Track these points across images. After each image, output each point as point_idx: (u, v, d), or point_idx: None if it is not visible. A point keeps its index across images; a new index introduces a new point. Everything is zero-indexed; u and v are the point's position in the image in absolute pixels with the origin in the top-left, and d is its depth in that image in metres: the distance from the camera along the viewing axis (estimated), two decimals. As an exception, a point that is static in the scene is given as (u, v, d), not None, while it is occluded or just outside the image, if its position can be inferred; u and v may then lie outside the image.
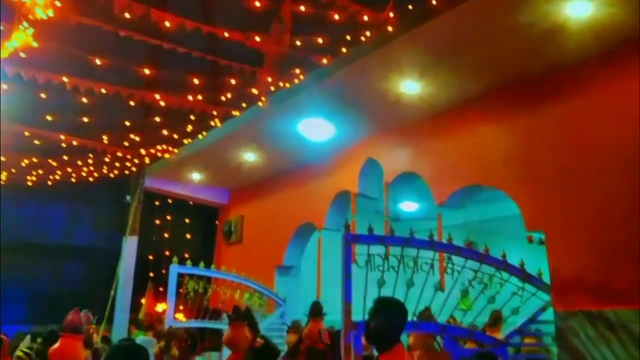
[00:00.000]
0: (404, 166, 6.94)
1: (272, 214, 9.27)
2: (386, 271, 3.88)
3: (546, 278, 4.59)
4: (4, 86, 4.60)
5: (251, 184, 9.84)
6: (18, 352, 7.06)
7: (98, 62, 4.86)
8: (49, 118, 5.42)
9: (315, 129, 7.18)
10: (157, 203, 10.26)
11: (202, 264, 7.16)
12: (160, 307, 9.62)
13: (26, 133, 5.58)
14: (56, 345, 3.40)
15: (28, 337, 8.55)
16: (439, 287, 4.17)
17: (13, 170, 6.82)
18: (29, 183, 8.13)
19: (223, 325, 7.75)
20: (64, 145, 5.94)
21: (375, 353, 2.93)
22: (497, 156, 5.85)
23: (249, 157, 8.46)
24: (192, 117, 6.04)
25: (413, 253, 3.99)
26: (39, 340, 8.01)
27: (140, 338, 7.58)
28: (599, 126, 4.93)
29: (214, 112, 5.83)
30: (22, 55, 4.26)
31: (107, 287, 12.53)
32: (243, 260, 9.26)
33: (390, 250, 4.10)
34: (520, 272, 4.28)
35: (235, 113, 6.29)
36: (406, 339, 3.95)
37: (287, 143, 7.74)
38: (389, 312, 2.95)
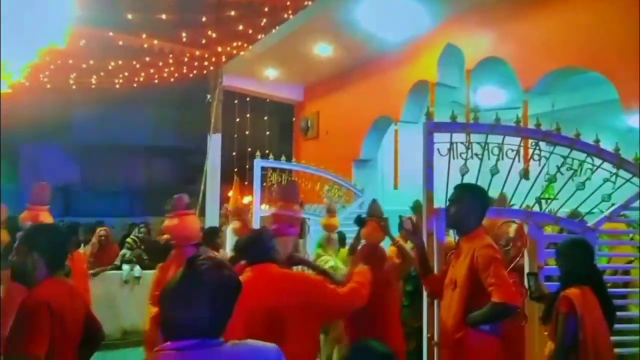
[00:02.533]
0: (487, 51, 6.53)
1: (347, 109, 9.24)
2: (469, 159, 3.82)
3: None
4: None
5: (325, 79, 9.76)
6: (128, 240, 7.95)
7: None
8: (129, 17, 5.53)
9: (390, 14, 6.83)
10: (235, 102, 10.53)
11: (283, 157, 7.41)
12: (245, 199, 10.26)
13: (110, 34, 5.77)
14: (175, 221, 3.79)
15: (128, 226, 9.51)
16: (525, 174, 4.07)
17: (102, 74, 7.17)
18: (117, 86, 8.57)
19: (304, 214, 8.18)
20: (145, 45, 6.10)
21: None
22: (594, 35, 5.33)
23: (323, 50, 8.30)
24: (266, 9, 5.93)
25: (498, 140, 3.87)
26: (142, 228, 8.94)
27: (230, 227, 8.20)
28: None
29: (287, 3, 5.67)
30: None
31: (193, 182, 13.45)
32: (320, 154, 9.46)
33: (474, 138, 4.01)
34: (615, 158, 4.06)
35: (308, 2, 6.09)
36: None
37: (361, 33, 7.47)
38: (469, 196, 2.96)
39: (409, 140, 8.03)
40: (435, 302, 3.36)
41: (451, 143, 3.82)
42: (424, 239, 3.57)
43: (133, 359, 5.75)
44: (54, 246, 2.46)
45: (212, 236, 5.61)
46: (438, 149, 3.70)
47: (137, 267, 7.53)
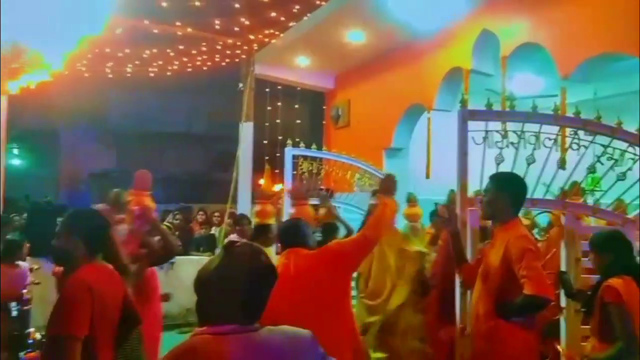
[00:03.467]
0: (523, 37, 6.35)
1: (379, 97, 9.17)
2: (505, 148, 3.75)
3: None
4: None
5: (357, 66, 9.69)
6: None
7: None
8: (164, 4, 5.59)
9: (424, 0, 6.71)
10: (267, 90, 10.58)
11: (314, 146, 7.42)
12: (276, 187, 10.34)
13: (145, 22, 5.85)
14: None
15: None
16: (562, 164, 3.98)
17: (137, 62, 7.30)
18: (151, 74, 8.71)
19: (335, 202, 8.18)
20: (179, 33, 6.17)
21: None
22: (634, 21, 5.12)
23: (355, 37, 8.24)
24: (298, -5, 5.90)
25: (534, 128, 3.78)
26: (177, 215, 9.12)
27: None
28: None
29: (320, -11, 5.63)
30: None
31: (224, 170, 13.61)
32: (351, 143, 9.43)
33: (509, 127, 3.92)
34: (658, 148, 3.91)
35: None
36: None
37: (394, 19, 7.37)
38: (505, 186, 2.91)
39: (441, 129, 7.93)
40: (469, 291, 3.34)
41: (486, 131, 3.76)
42: (460, 228, 3.54)
43: (166, 342, 5.90)
44: (93, 230, 2.50)
45: (264, 232, 5.62)
46: (473, 138, 3.65)
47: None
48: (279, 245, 2.95)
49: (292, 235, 2.85)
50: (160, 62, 7.59)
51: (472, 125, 3.80)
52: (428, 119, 7.85)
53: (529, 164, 3.71)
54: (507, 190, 2.89)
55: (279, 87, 10.78)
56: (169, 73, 8.66)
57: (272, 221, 5.14)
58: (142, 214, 3.43)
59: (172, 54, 7.27)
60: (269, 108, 10.98)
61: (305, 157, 7.20)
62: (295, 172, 7.36)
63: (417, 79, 8.13)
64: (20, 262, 5.12)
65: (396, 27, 7.67)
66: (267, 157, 10.62)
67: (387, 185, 3.40)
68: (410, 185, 8.27)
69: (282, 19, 6.69)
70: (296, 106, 11.38)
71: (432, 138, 7.70)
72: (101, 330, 2.36)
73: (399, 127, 8.63)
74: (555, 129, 3.83)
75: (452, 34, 7.40)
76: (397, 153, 8.81)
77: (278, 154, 10.37)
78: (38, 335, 2.34)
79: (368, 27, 7.84)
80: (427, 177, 7.50)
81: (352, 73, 9.97)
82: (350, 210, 7.04)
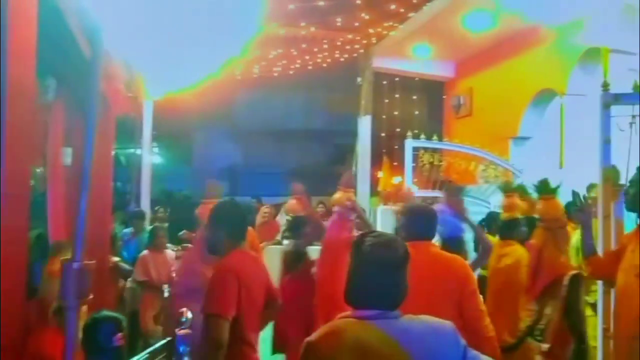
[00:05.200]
0: (676, 8, 5.65)
1: (504, 83, 8.72)
2: (655, 134, 3.41)
3: None
4: None
5: (479, 53, 9.30)
6: (288, 217, 8.54)
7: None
8: (291, 7, 5.85)
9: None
10: (384, 82, 10.58)
11: (435, 137, 7.31)
12: (395, 180, 10.32)
13: (274, 24, 6.17)
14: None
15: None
16: None
17: (263, 63, 7.72)
18: (275, 74, 9.15)
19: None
20: (303, 33, 6.41)
21: None
22: None
23: (475, 22, 7.91)
24: (418, -15, 5.82)
25: (693, 112, 3.39)
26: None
27: (381, 207, 8.35)
28: None
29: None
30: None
31: (343, 164, 13.85)
32: (473, 132, 9.09)
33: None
34: None
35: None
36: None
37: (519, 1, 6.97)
38: None
39: (576, 115, 7.35)
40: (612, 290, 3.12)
41: (633, 116, 3.46)
42: (600, 220, 3.33)
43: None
44: (236, 221, 2.74)
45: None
46: (617, 124, 3.37)
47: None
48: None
49: (416, 227, 2.72)
50: (284, 62, 7.95)
51: (615, 109, 3.51)
52: (561, 104, 7.31)
53: (685, 151, 3.34)
54: None
55: (397, 79, 10.72)
56: (291, 72, 9.03)
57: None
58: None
59: (295, 53, 7.58)
60: (386, 100, 10.98)
61: (425, 149, 7.13)
62: (414, 164, 7.30)
63: (548, 63, 7.60)
64: (167, 250, 5.75)
65: (523, 8, 7.23)
66: (384, 150, 10.66)
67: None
68: (540, 175, 7.80)
69: (402, 10, 6.65)
70: (414, 97, 11.24)
71: (565, 125, 7.16)
72: (247, 312, 2.57)
73: (526, 115, 8.15)
74: None
75: (589, 12, 6.80)
76: (525, 142, 8.32)
77: (396, 147, 10.36)
78: (189, 314, 2.62)
79: (492, 11, 7.48)
80: (561, 166, 7.00)
81: (474, 60, 9.60)
82: (475, 203, 6.83)
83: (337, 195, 4.39)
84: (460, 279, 2.53)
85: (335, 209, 4.39)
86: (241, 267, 2.62)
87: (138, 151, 8.73)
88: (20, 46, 1.62)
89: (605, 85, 3.54)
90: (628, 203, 2.91)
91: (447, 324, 1.66)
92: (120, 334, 2.47)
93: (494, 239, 4.32)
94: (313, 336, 1.61)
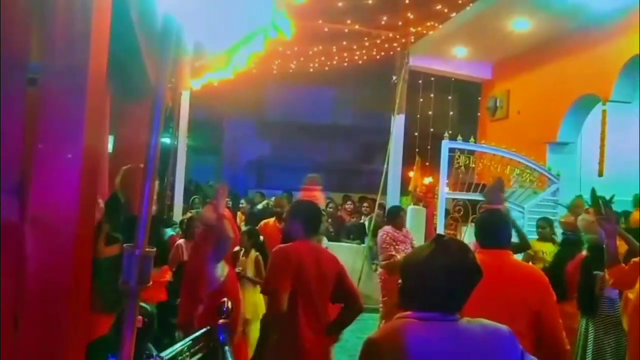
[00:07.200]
0: None
1: (543, 87, 8.55)
2: None
3: None
4: None
5: (518, 55, 9.13)
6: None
7: None
8: (339, 4, 5.85)
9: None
10: (420, 82, 10.49)
11: (472, 139, 7.21)
12: (426, 180, 10.24)
13: (320, 21, 6.18)
14: None
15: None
16: None
17: (302, 59, 7.73)
18: (311, 70, 9.16)
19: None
20: (346, 30, 6.40)
21: None
22: None
23: (518, 24, 7.77)
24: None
25: None
26: (330, 204, 9.50)
27: (411, 207, 8.30)
28: None
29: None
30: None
31: (370, 162, 13.80)
32: (509, 136, 8.94)
33: None
34: None
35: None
36: None
37: (565, 4, 6.82)
38: None
39: (618, 122, 7.17)
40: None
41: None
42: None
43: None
44: (310, 216, 3.15)
45: (394, 215, 5.87)
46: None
47: (325, 239, 8.07)
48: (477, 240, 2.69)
49: (492, 233, 2.58)
50: (323, 58, 7.95)
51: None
52: (603, 111, 7.14)
53: None
54: None
55: (432, 79, 10.62)
56: (326, 68, 9.02)
57: None
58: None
59: (334, 50, 7.57)
60: (421, 100, 10.89)
61: (462, 151, 7.03)
62: (449, 166, 7.21)
63: (591, 68, 7.42)
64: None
65: (567, 11, 7.09)
66: (417, 150, 10.57)
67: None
68: (578, 182, 7.65)
69: (446, 10, 6.57)
70: (449, 97, 11.12)
71: (608, 132, 7.00)
72: (304, 297, 2.92)
73: (566, 120, 7.97)
74: None
75: (635, 17, 6.61)
76: (564, 148, 8.15)
77: (429, 146, 10.27)
78: (229, 304, 2.72)
79: (535, 13, 7.35)
80: (600, 174, 6.84)
81: (512, 62, 9.43)
82: (510, 208, 6.72)
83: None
84: (540, 290, 2.46)
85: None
86: (295, 253, 2.97)
87: (168, 140, 8.85)
88: (97, 36, 1.66)
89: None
90: None
91: (505, 328, 1.65)
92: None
93: None
94: (375, 334, 1.62)
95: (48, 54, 1.63)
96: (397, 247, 5.74)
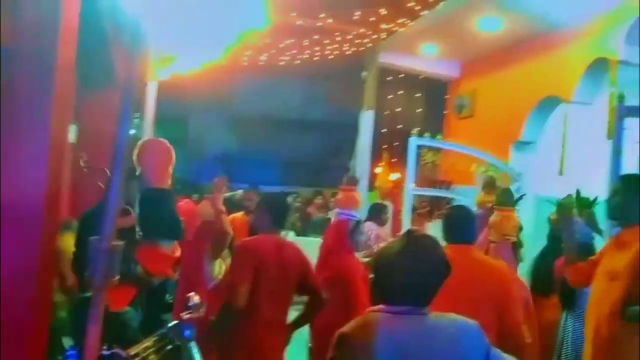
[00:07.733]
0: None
1: (509, 87, 8.75)
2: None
3: None
4: None
5: (485, 56, 9.32)
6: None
7: None
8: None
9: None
10: (389, 78, 10.56)
11: (439, 136, 7.34)
12: (393, 176, 10.36)
13: (293, 14, 6.11)
14: None
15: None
16: None
17: (272, 52, 7.66)
18: (281, 63, 9.09)
19: (454, 194, 8.03)
20: (319, 24, 6.37)
21: None
22: None
23: (486, 25, 7.92)
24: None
25: None
26: (297, 198, 9.51)
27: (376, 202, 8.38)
28: None
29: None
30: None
31: (338, 156, 13.83)
32: (474, 134, 9.13)
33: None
34: None
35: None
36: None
37: (534, 7, 6.99)
38: (636, 187, 2.75)
39: (579, 123, 7.40)
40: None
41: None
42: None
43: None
44: (278, 209, 3.17)
45: (378, 212, 5.83)
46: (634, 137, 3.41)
47: (291, 233, 8.07)
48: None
49: (455, 228, 2.64)
50: (294, 52, 7.90)
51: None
52: (565, 112, 7.36)
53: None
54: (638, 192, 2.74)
55: (401, 76, 10.71)
56: (297, 62, 8.98)
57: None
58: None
59: (306, 43, 7.54)
60: (389, 96, 10.98)
61: (430, 148, 7.15)
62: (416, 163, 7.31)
63: (555, 70, 7.64)
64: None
65: (536, 15, 7.26)
66: (385, 146, 10.67)
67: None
68: (539, 180, 7.87)
69: (417, 7, 6.63)
70: (417, 95, 11.25)
71: (569, 133, 7.23)
72: (267, 289, 2.88)
73: (530, 120, 8.20)
74: None
75: (599, 23, 6.84)
76: (527, 147, 8.38)
77: (396, 143, 10.37)
78: (196, 299, 2.70)
79: (503, 15, 7.50)
80: (561, 173, 7.07)
81: (480, 62, 9.62)
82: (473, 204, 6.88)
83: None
84: (503, 284, 2.53)
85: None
86: (260, 246, 2.96)
87: (133, 131, 8.63)
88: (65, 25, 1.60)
89: (620, 97, 3.57)
90: (610, 212, 2.93)
91: (473, 322, 1.69)
92: None
93: None
94: (346, 328, 1.63)
95: (16, 38, 1.56)
96: (380, 245, 5.73)
